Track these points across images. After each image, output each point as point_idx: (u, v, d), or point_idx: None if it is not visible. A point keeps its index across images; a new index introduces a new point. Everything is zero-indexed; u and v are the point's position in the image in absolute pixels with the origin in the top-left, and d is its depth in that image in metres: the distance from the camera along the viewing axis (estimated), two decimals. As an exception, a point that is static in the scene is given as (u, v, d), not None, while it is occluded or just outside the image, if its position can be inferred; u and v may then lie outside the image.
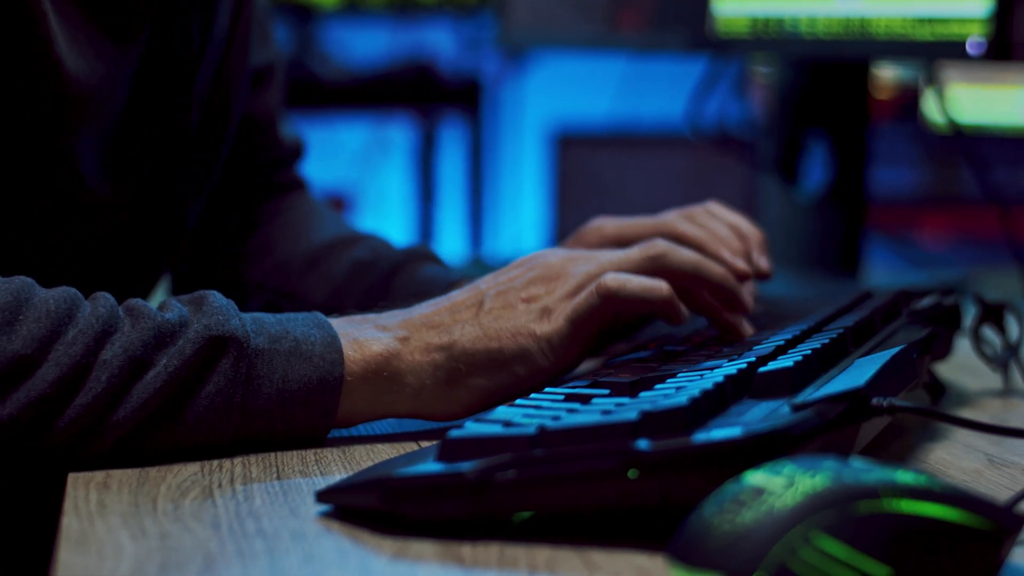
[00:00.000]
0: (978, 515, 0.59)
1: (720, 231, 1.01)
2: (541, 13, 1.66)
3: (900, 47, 1.32)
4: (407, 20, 3.79)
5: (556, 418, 0.69)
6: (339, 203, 3.71)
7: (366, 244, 1.13)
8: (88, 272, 0.96)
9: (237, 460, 0.80)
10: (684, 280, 0.86)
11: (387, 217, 4.21)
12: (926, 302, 0.96)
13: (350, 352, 0.81)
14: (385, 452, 0.81)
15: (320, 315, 0.83)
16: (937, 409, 0.72)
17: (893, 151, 3.80)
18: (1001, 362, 1.00)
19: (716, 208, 1.02)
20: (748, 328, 0.91)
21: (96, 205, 0.93)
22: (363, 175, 4.22)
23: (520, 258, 0.88)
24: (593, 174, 4.20)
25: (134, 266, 1.01)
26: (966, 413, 0.94)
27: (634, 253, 0.86)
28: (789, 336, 0.84)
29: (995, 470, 0.79)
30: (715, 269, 0.87)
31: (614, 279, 0.83)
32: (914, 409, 0.69)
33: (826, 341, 0.80)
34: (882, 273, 1.56)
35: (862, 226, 1.51)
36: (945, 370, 1.06)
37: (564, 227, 4.36)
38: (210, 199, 1.14)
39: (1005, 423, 0.90)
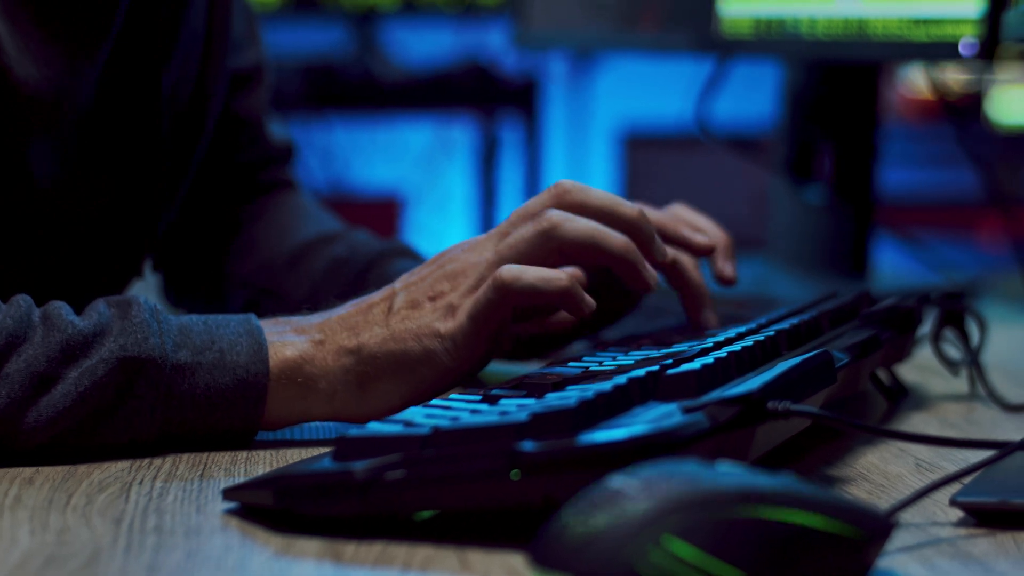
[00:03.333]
0: (842, 521, 0.59)
1: (678, 211, 1.00)
2: (558, 14, 1.66)
3: (897, 48, 1.31)
4: (470, 21, 3.79)
5: (455, 419, 0.69)
6: (393, 204, 3.73)
7: (345, 241, 1.13)
8: (53, 273, 0.98)
9: (168, 458, 0.81)
10: (582, 252, 0.82)
11: (450, 218, 4.22)
12: (883, 304, 0.95)
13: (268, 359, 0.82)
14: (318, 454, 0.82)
15: (252, 319, 0.84)
16: (834, 415, 0.71)
17: (955, 152, 3.75)
18: (967, 365, 0.99)
19: (681, 210, 1.02)
20: (711, 318, 0.90)
21: (55, 208, 0.95)
22: (426, 176, 4.24)
23: (436, 253, 0.87)
24: (662, 175, 4.19)
25: (103, 267, 1.02)
26: (925, 417, 0.94)
27: (528, 230, 0.82)
28: (721, 338, 0.83)
29: (919, 475, 0.78)
30: (615, 239, 0.83)
31: (508, 271, 0.80)
32: (811, 413, 0.69)
33: (749, 343, 0.79)
34: (892, 275, 1.55)
35: (870, 227, 1.49)
36: (914, 374, 1.05)
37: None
38: (196, 198, 1.15)
39: (957, 428, 0.90)
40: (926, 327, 1.00)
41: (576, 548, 0.57)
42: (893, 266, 1.62)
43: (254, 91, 1.17)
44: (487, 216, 3.83)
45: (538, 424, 0.65)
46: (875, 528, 0.60)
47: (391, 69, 3.51)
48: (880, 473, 0.79)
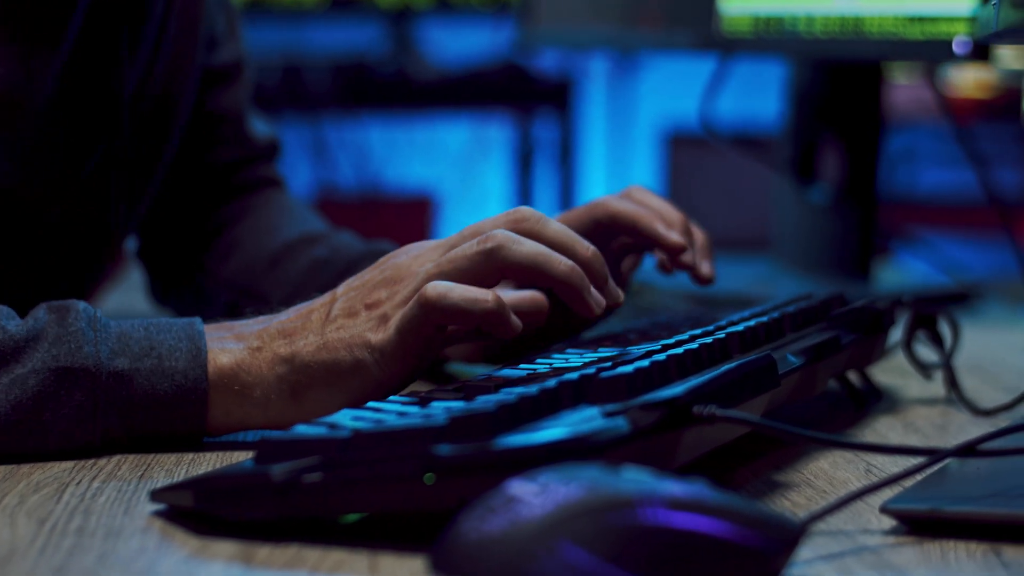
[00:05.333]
0: (747, 529, 0.58)
1: (655, 203, 0.98)
2: (561, 13, 1.65)
3: (893, 46, 1.30)
4: (506, 19, 3.79)
5: (379, 422, 0.69)
6: (426, 203, 3.72)
7: (327, 242, 1.13)
8: (13, 272, 0.97)
9: (115, 458, 0.81)
10: (524, 275, 0.81)
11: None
12: (850, 307, 0.93)
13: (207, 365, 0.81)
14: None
15: (197, 324, 0.83)
16: (762, 419, 0.69)
17: (1000, 152, 3.72)
18: (944, 368, 0.97)
19: (639, 191, 1.00)
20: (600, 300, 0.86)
21: (12, 207, 0.94)
22: (463, 175, 4.23)
23: (382, 257, 0.86)
24: (705, 174, 4.17)
25: (66, 266, 1.02)
26: (890, 422, 0.92)
27: (471, 248, 0.81)
28: (672, 340, 0.82)
29: (867, 481, 0.76)
30: (559, 265, 0.81)
31: (434, 288, 0.78)
32: (737, 419, 0.68)
33: (694, 347, 0.78)
34: (897, 276, 1.53)
35: (874, 229, 1.48)
36: (894, 377, 1.04)
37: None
38: (175, 197, 1.15)
39: (921, 433, 0.89)
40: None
41: (471, 554, 0.56)
42: (911, 266, 1.60)
43: (232, 87, 1.17)
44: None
45: (456, 428, 0.65)
46: (781, 537, 0.59)
47: (425, 67, 3.51)
48: (827, 479, 0.77)
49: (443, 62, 3.61)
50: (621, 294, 0.85)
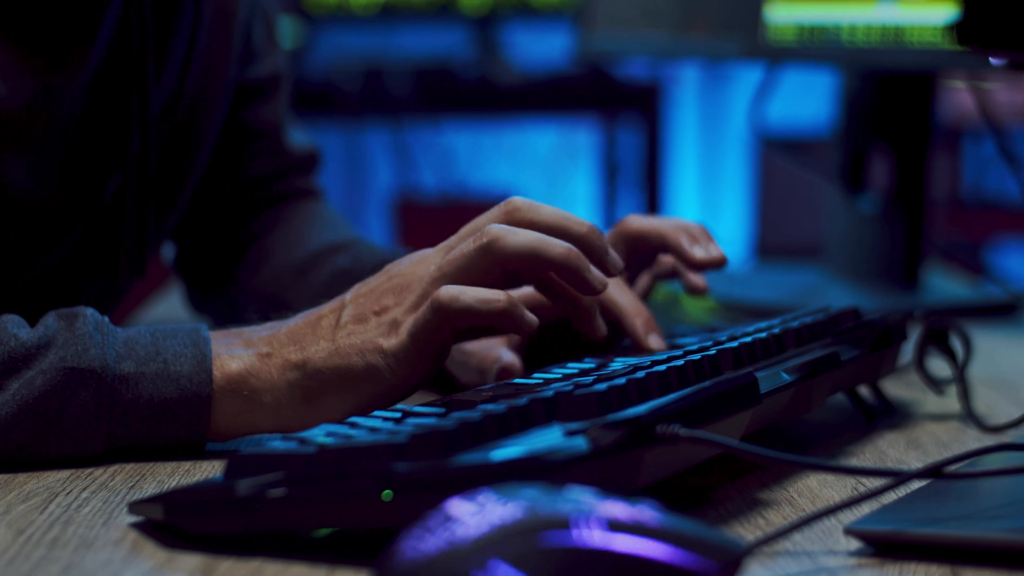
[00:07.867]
0: (685, 551, 0.58)
1: (676, 222, 0.99)
2: (619, 22, 1.65)
3: (933, 56, 1.28)
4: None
5: (348, 438, 0.69)
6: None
7: (350, 251, 1.13)
8: (39, 286, 0.99)
9: (111, 468, 0.82)
10: (523, 264, 0.81)
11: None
12: (860, 321, 0.93)
13: (212, 370, 0.83)
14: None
15: (203, 330, 0.85)
16: (725, 440, 0.69)
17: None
18: (957, 383, 0.96)
19: (637, 219, 1.00)
20: (602, 326, 0.87)
21: (36, 222, 0.96)
22: (550, 179, 4.24)
23: (387, 265, 0.87)
24: (798, 179, 4.14)
25: (91, 280, 1.03)
26: (895, 437, 0.91)
27: (468, 246, 0.82)
28: (663, 356, 0.82)
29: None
30: (555, 248, 0.81)
31: (447, 292, 0.80)
32: (700, 439, 0.67)
33: (679, 363, 0.78)
34: (945, 285, 1.51)
35: (922, 238, 1.46)
36: (915, 391, 1.03)
37: (766, 233, 4.32)
38: (209, 207, 1.17)
39: (922, 450, 0.88)
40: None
41: (408, 574, 0.57)
42: (965, 276, 1.59)
43: (270, 101, 1.18)
44: (610, 219, 3.82)
45: (415, 445, 0.65)
46: (721, 560, 0.58)
47: (508, 72, 3.52)
48: (811, 497, 0.77)
49: (527, 66, 3.62)
50: (621, 262, 0.85)
